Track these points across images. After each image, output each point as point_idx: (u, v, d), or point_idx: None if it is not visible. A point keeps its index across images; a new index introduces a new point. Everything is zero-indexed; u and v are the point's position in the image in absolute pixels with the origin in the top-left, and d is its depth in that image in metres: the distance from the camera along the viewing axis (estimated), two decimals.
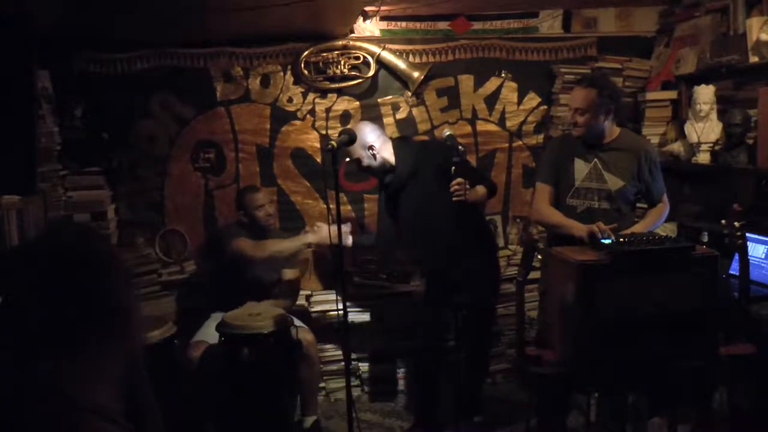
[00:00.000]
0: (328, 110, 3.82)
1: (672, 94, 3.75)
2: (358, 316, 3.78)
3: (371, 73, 3.77)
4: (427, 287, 3.32)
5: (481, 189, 3.10)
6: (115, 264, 1.12)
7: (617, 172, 2.87)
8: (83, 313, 1.03)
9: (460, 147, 2.82)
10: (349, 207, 3.87)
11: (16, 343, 0.99)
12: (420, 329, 3.31)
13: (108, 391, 1.04)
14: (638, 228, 2.82)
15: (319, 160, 3.83)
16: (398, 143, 3.26)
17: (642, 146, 2.94)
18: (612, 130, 2.90)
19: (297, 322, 3.20)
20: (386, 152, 3.17)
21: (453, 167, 2.79)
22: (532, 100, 3.94)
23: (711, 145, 3.33)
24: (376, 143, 3.14)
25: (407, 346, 3.60)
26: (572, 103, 2.89)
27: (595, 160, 2.89)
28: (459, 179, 2.84)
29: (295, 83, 3.78)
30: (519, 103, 3.95)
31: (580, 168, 2.92)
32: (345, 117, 3.84)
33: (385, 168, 3.19)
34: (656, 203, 2.97)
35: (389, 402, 3.78)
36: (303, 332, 3.22)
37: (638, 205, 3.25)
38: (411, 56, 3.81)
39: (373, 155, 3.14)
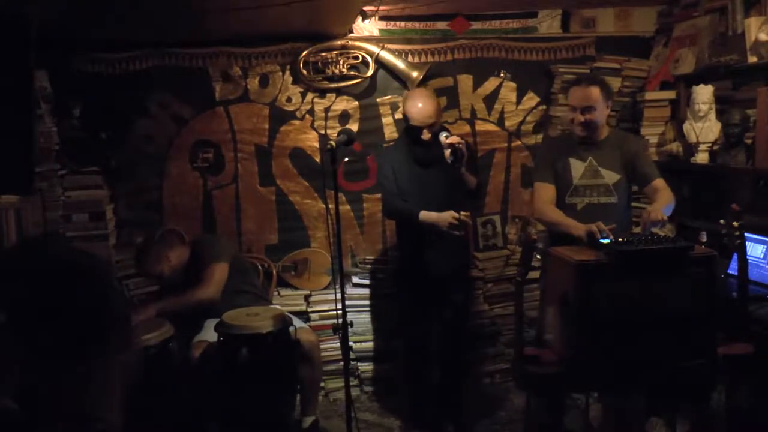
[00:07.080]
0: (326, 110, 3.82)
1: (671, 94, 3.75)
2: (357, 315, 3.77)
3: (370, 72, 3.77)
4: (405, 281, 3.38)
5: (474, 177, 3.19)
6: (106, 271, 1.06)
7: (611, 166, 2.95)
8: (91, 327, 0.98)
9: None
10: (348, 207, 3.87)
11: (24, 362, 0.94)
12: (410, 329, 3.34)
13: (116, 406, 1.00)
14: (657, 206, 2.69)
15: (318, 159, 3.83)
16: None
17: (624, 139, 3.04)
18: (604, 127, 2.99)
19: (297, 322, 3.19)
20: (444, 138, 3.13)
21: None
22: (531, 99, 3.94)
23: (709, 145, 3.33)
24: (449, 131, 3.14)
25: (402, 346, 3.60)
26: (578, 102, 2.90)
27: (590, 157, 2.96)
28: (456, 136, 2.96)
29: (294, 83, 3.78)
30: (518, 102, 3.95)
31: (577, 167, 2.97)
32: (344, 117, 3.84)
33: (430, 142, 3.14)
34: (653, 183, 2.89)
35: (388, 402, 3.77)
36: (306, 333, 3.19)
37: (634, 203, 3.26)
38: (410, 56, 3.81)
39: (436, 133, 3.08)
